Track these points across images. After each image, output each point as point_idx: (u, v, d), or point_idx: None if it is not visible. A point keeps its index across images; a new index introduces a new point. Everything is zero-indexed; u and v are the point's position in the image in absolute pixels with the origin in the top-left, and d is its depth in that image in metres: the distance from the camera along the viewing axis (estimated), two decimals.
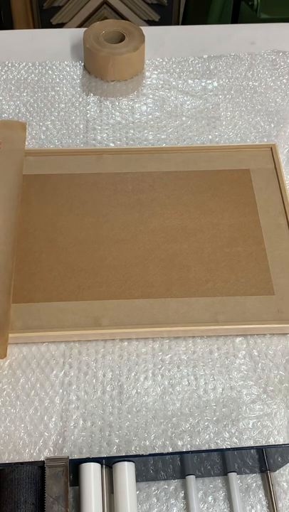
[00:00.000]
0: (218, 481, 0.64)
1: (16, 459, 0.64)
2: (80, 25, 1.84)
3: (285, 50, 1.07)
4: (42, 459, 0.64)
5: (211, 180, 0.86)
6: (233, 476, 0.63)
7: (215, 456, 0.60)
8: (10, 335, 0.71)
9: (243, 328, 0.73)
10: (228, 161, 0.89)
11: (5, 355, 0.70)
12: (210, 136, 0.94)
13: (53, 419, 0.67)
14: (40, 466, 0.57)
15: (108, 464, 0.59)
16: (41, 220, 0.81)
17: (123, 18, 1.83)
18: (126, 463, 0.58)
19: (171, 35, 1.10)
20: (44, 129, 0.94)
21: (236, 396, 0.69)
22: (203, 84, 1.01)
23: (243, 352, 0.73)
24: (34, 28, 1.81)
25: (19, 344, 0.72)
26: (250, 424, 0.67)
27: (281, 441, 0.66)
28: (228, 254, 0.79)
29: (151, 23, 1.84)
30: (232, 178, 0.86)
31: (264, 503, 0.63)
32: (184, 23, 1.81)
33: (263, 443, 0.66)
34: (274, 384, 0.70)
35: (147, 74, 1.03)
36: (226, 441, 0.66)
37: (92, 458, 0.58)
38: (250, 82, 1.02)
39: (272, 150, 0.89)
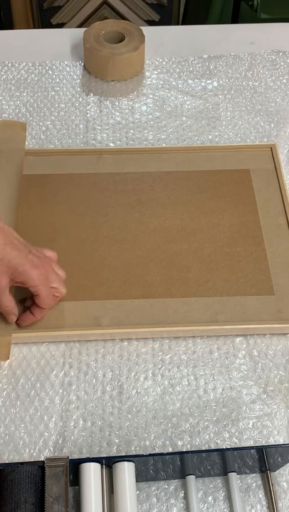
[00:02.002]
0: (218, 481, 0.64)
1: (16, 459, 0.64)
2: (80, 25, 1.84)
3: (285, 50, 1.07)
4: (42, 459, 0.64)
5: (211, 180, 0.86)
6: (233, 476, 0.63)
7: (215, 456, 0.60)
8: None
9: (243, 328, 0.73)
10: (228, 161, 0.88)
11: (7, 358, 0.70)
12: (210, 136, 0.94)
13: (53, 419, 0.67)
14: (40, 466, 0.57)
15: (108, 464, 0.59)
16: (41, 220, 0.81)
17: (123, 18, 1.83)
18: (126, 463, 0.58)
19: (171, 35, 1.10)
20: (44, 129, 0.94)
21: (236, 396, 0.69)
22: (203, 84, 1.01)
23: (243, 352, 0.73)
24: (34, 28, 1.81)
25: (19, 344, 0.72)
26: (250, 424, 0.67)
27: (281, 441, 0.66)
28: (228, 254, 0.78)
29: (151, 23, 1.83)
30: (232, 178, 0.86)
31: (264, 503, 0.63)
32: (184, 23, 1.81)
33: (263, 443, 0.66)
34: (274, 384, 0.70)
35: (147, 74, 1.02)
36: (226, 441, 0.66)
37: (92, 458, 0.58)
38: (250, 82, 1.02)
39: (272, 150, 0.89)
